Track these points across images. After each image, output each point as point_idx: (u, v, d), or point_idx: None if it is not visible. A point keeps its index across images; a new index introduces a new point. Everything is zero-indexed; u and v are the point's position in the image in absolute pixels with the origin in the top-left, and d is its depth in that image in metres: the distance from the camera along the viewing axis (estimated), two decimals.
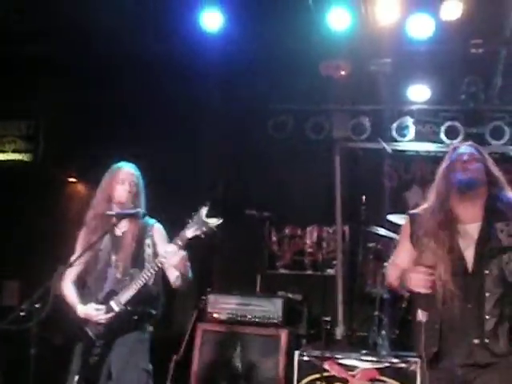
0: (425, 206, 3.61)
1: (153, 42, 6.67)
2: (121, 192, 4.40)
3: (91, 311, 4.24)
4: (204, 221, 4.06)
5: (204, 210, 4.09)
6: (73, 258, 4.31)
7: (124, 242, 4.37)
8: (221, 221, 4.12)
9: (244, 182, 8.09)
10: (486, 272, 3.28)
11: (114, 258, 4.36)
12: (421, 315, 3.43)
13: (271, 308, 6.27)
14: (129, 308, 4.22)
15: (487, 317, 3.27)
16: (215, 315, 6.30)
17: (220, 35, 6.82)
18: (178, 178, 7.59)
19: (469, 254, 3.35)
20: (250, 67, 7.11)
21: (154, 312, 4.38)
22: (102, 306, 4.23)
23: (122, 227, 4.44)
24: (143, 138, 7.23)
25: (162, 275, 4.32)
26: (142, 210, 4.38)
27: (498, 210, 3.41)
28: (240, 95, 7.55)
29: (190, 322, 6.09)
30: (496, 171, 3.55)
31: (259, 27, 6.65)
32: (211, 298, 6.35)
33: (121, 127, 7.39)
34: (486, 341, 3.26)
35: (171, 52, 6.69)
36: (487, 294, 3.28)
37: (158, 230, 4.49)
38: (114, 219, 4.34)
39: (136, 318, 4.27)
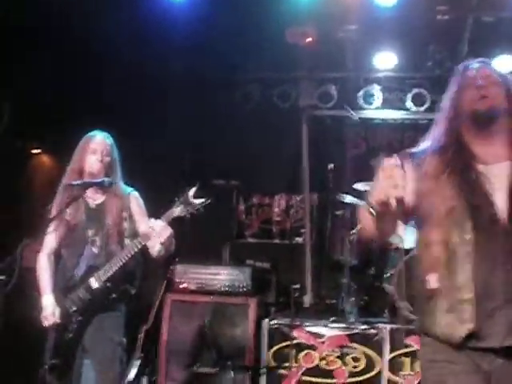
0: (426, 144, 2.81)
1: (117, 11, 6.50)
2: (92, 162, 4.26)
3: (49, 310, 4.18)
4: (191, 202, 4.03)
5: (192, 191, 4.06)
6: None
7: (100, 216, 4.27)
8: (208, 201, 4.09)
9: (212, 151, 8.04)
10: None
11: (90, 232, 4.25)
12: (432, 281, 2.59)
13: (240, 277, 6.27)
14: (108, 285, 4.15)
15: None
16: (184, 285, 6.28)
17: (186, 3, 6.72)
18: (149, 149, 7.50)
19: (498, 201, 2.53)
20: (216, 35, 6.99)
21: (132, 291, 4.33)
22: (57, 311, 4.16)
23: (98, 199, 4.33)
24: (111, 109, 7.10)
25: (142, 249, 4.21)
26: (108, 179, 4.23)
27: None
28: (207, 64, 7.45)
29: (158, 293, 6.06)
30: None
31: None
32: (179, 268, 6.32)
33: (88, 97, 7.23)
34: None
35: (138, 21, 6.55)
36: None
37: (134, 199, 4.39)
38: (81, 189, 4.20)
39: (114, 295, 4.20)
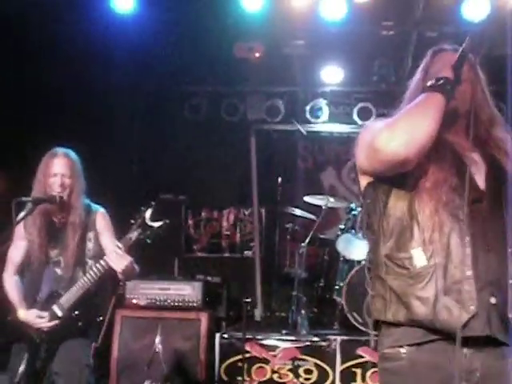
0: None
1: (59, 23, 6.39)
2: (53, 186, 4.09)
3: (33, 318, 4.00)
4: (148, 224, 3.93)
5: (148, 213, 3.95)
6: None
7: (64, 235, 4.12)
8: (166, 222, 3.99)
9: (159, 165, 8.00)
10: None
11: (53, 252, 4.11)
12: (417, 257, 2.23)
13: (190, 292, 6.23)
14: (73, 314, 4.02)
15: (511, 281, 2.23)
16: (134, 301, 6.21)
17: (133, 16, 6.68)
18: (94, 164, 7.37)
19: (480, 181, 2.34)
20: (163, 49, 6.99)
21: (99, 318, 4.24)
22: (45, 313, 4.00)
23: (62, 218, 4.17)
24: (56, 122, 6.98)
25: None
26: (59, 194, 4.05)
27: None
28: (154, 77, 7.43)
29: (108, 309, 5.98)
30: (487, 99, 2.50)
31: (172, 8, 6.54)
32: (129, 283, 6.25)
33: (32, 111, 7.09)
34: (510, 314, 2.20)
35: (83, 34, 6.46)
36: (510, 250, 2.27)
37: (101, 218, 4.25)
38: (32, 206, 4.08)
39: (80, 324, 4.07)
